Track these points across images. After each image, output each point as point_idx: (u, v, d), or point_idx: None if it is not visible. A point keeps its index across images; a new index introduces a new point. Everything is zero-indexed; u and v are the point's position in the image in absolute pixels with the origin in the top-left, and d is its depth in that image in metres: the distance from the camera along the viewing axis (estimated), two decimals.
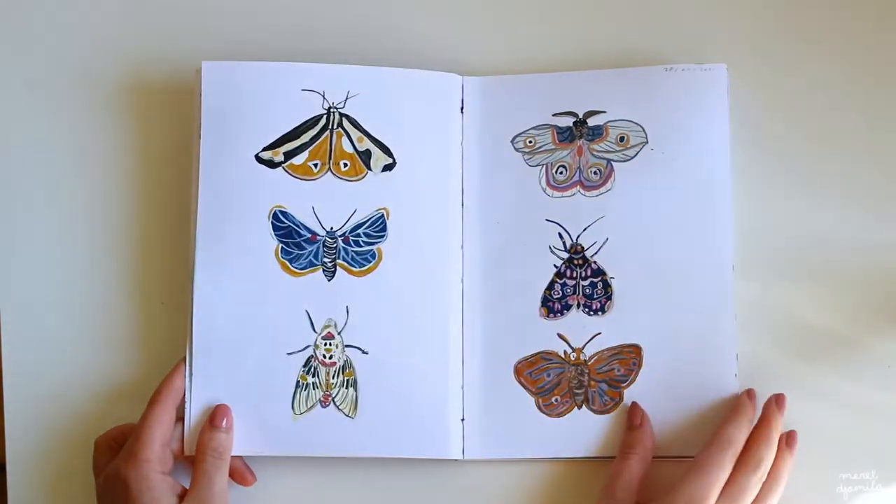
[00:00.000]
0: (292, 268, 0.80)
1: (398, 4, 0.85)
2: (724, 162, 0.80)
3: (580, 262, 0.80)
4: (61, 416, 0.81)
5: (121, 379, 0.82)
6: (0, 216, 0.83)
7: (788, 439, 0.76)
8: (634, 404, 0.78)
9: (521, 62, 0.84)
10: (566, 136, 0.82)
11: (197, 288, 0.79)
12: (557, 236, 0.81)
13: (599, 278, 0.80)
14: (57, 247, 0.83)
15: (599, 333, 0.80)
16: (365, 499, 0.80)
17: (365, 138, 0.81)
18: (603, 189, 0.81)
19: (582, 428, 0.79)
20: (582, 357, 0.80)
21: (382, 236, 0.81)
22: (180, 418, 0.78)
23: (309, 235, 0.80)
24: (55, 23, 0.85)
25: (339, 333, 0.80)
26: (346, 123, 0.81)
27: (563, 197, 0.81)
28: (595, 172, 0.81)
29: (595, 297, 0.80)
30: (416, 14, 0.85)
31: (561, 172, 0.82)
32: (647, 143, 0.81)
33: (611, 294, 0.80)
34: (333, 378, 0.79)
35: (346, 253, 0.80)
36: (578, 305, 0.80)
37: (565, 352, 0.80)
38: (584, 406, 0.79)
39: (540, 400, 0.80)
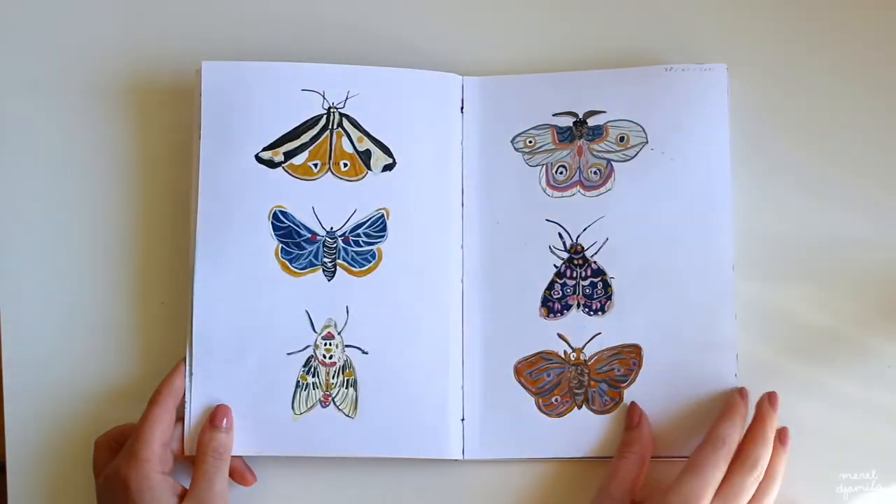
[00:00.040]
0: (292, 268, 0.80)
1: (398, 4, 0.85)
2: (724, 162, 0.80)
3: (580, 262, 0.80)
4: (61, 416, 0.81)
5: (121, 379, 0.82)
6: (0, 216, 0.83)
7: (781, 436, 0.76)
8: (633, 404, 0.78)
9: (521, 62, 0.84)
10: (566, 136, 0.82)
11: (197, 288, 0.79)
12: (557, 236, 0.81)
13: (599, 278, 0.80)
14: (57, 247, 0.83)
15: (599, 333, 0.80)
16: (365, 499, 0.80)
17: (365, 138, 0.81)
18: (603, 189, 0.81)
19: (582, 428, 0.79)
20: (582, 357, 0.80)
21: (382, 236, 0.81)
22: (180, 418, 0.78)
23: (309, 235, 0.80)
24: (55, 23, 0.85)
25: (339, 333, 0.80)
26: (346, 123, 0.81)
27: (563, 197, 0.81)
28: (595, 172, 0.81)
29: (595, 297, 0.80)
30: (416, 14, 0.85)
31: (561, 172, 0.82)
32: (647, 143, 0.81)
33: (611, 294, 0.80)
34: (333, 378, 0.79)
35: (346, 253, 0.80)
36: (578, 305, 0.80)
37: (565, 352, 0.80)
38: (584, 406, 0.79)
39: (540, 400, 0.80)
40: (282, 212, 0.80)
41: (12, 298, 0.82)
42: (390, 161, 0.81)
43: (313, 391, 0.79)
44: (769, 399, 0.77)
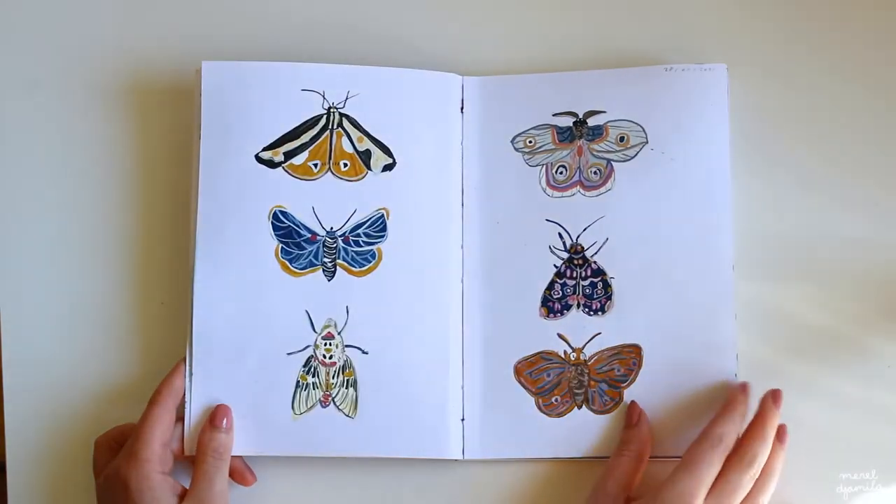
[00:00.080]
0: (292, 268, 0.80)
1: (398, 4, 0.85)
2: (723, 162, 0.80)
3: (580, 262, 0.80)
4: (61, 416, 0.81)
5: (121, 379, 0.82)
6: (0, 216, 0.83)
7: (780, 433, 0.76)
8: (633, 403, 0.78)
9: (521, 62, 0.84)
10: (566, 136, 0.82)
11: (197, 288, 0.79)
12: (557, 236, 0.81)
13: (599, 278, 0.80)
14: (57, 246, 0.83)
15: (599, 333, 0.80)
16: (365, 499, 0.80)
17: (365, 138, 0.81)
18: (603, 189, 0.81)
19: (582, 428, 0.79)
20: (582, 357, 0.80)
21: (382, 236, 0.81)
22: (180, 418, 0.78)
23: (309, 235, 0.80)
24: (55, 23, 0.85)
25: (339, 333, 0.80)
26: (346, 123, 0.81)
27: (563, 197, 0.81)
28: (595, 172, 0.81)
29: (595, 297, 0.80)
30: (416, 14, 0.85)
31: (561, 172, 0.82)
32: (647, 143, 0.81)
33: (611, 294, 0.80)
34: (333, 378, 0.79)
35: (346, 253, 0.80)
36: (578, 305, 0.80)
37: (565, 352, 0.80)
38: (584, 406, 0.79)
39: (540, 400, 0.80)
40: (282, 212, 0.80)
41: (12, 298, 0.82)
42: (390, 161, 0.81)
43: (313, 391, 0.79)
44: (773, 397, 0.76)
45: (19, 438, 0.81)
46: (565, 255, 0.81)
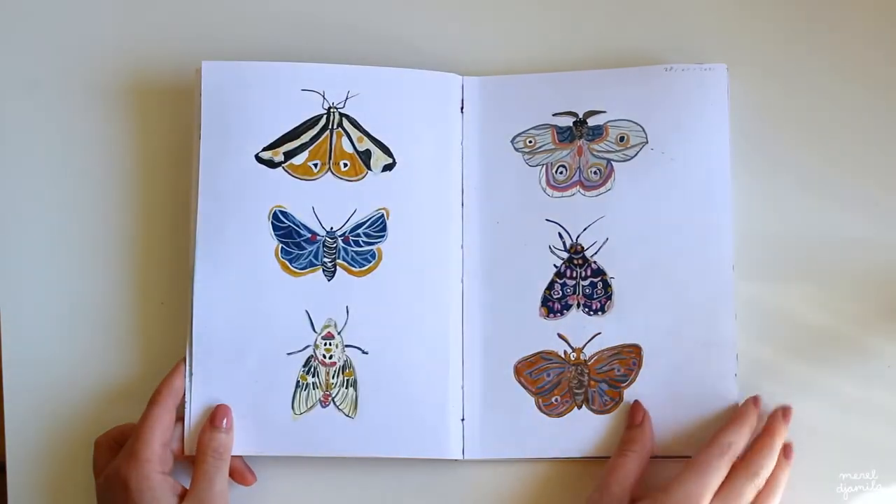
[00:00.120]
0: (292, 268, 0.80)
1: (398, 4, 0.85)
2: (724, 162, 0.80)
3: (580, 261, 0.80)
4: (61, 416, 0.81)
5: (121, 379, 0.82)
6: (0, 216, 0.83)
7: (786, 450, 0.77)
8: (636, 402, 0.78)
9: (521, 62, 0.84)
10: (566, 135, 0.82)
11: (197, 288, 0.79)
12: (557, 236, 0.81)
13: (599, 278, 0.80)
14: (57, 246, 0.83)
15: (599, 333, 0.80)
16: (365, 499, 0.80)
17: (365, 138, 0.81)
18: (603, 189, 0.81)
19: (582, 428, 0.79)
20: (582, 357, 0.80)
21: (382, 236, 0.81)
22: (180, 418, 0.78)
23: (309, 235, 0.80)
24: (55, 23, 0.85)
25: (338, 333, 0.80)
26: (346, 123, 0.81)
27: (562, 197, 0.81)
28: (595, 172, 0.81)
29: (595, 296, 0.80)
30: (416, 14, 0.85)
31: (561, 172, 0.82)
32: (647, 143, 0.81)
33: (611, 294, 0.80)
34: (333, 378, 0.79)
35: (346, 253, 0.80)
36: (578, 305, 0.80)
37: (565, 352, 0.80)
38: (584, 406, 0.79)
39: (540, 400, 0.80)
40: (282, 212, 0.80)
41: (12, 298, 0.82)
42: (390, 161, 0.81)
43: (313, 391, 0.79)
44: (783, 413, 0.77)
45: (19, 438, 0.81)
46: (565, 255, 0.81)
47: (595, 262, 0.80)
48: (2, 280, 0.82)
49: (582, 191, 0.81)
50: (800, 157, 0.82)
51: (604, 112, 0.81)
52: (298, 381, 0.79)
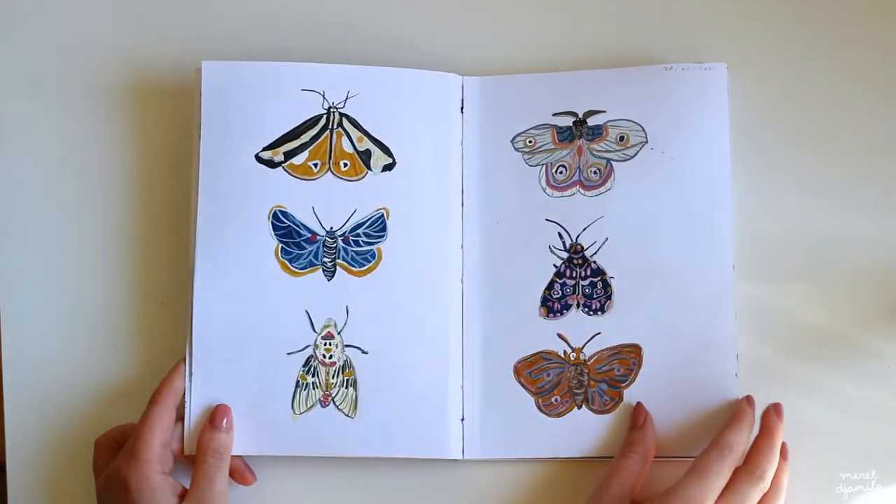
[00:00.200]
0: (292, 268, 0.80)
1: (398, 4, 0.85)
2: (724, 162, 0.80)
3: (580, 261, 0.80)
4: (61, 416, 0.81)
5: (121, 379, 0.82)
6: (0, 216, 0.83)
7: (781, 450, 0.76)
8: (639, 404, 0.78)
9: (521, 62, 0.84)
10: (566, 135, 0.82)
11: (197, 288, 0.79)
12: (557, 236, 0.81)
13: (599, 278, 0.80)
14: (57, 247, 0.83)
15: (599, 333, 0.80)
16: (365, 499, 0.80)
17: (365, 138, 0.81)
18: (603, 189, 0.81)
19: (582, 428, 0.79)
20: (582, 357, 0.80)
21: (382, 236, 0.81)
22: (180, 418, 0.78)
23: (309, 235, 0.80)
24: (55, 23, 0.85)
25: (338, 333, 0.80)
26: (346, 123, 0.81)
27: (562, 197, 0.81)
28: (595, 172, 0.81)
29: (595, 296, 0.80)
30: (416, 14, 0.85)
31: (561, 172, 0.82)
32: (646, 142, 0.81)
33: (610, 294, 0.80)
34: (333, 378, 0.79)
35: (346, 253, 0.80)
36: (578, 305, 0.80)
37: (565, 352, 0.80)
38: (583, 406, 0.79)
39: (540, 400, 0.80)
40: (282, 212, 0.80)
41: (12, 298, 0.82)
42: (390, 161, 0.81)
43: (313, 391, 0.79)
44: (775, 410, 0.77)
45: (19, 438, 0.81)
46: (565, 255, 0.81)
47: (595, 262, 0.80)
48: (2, 280, 0.82)
49: (582, 191, 0.81)
50: (800, 157, 0.82)
51: (604, 112, 0.81)
52: (298, 381, 0.79)
